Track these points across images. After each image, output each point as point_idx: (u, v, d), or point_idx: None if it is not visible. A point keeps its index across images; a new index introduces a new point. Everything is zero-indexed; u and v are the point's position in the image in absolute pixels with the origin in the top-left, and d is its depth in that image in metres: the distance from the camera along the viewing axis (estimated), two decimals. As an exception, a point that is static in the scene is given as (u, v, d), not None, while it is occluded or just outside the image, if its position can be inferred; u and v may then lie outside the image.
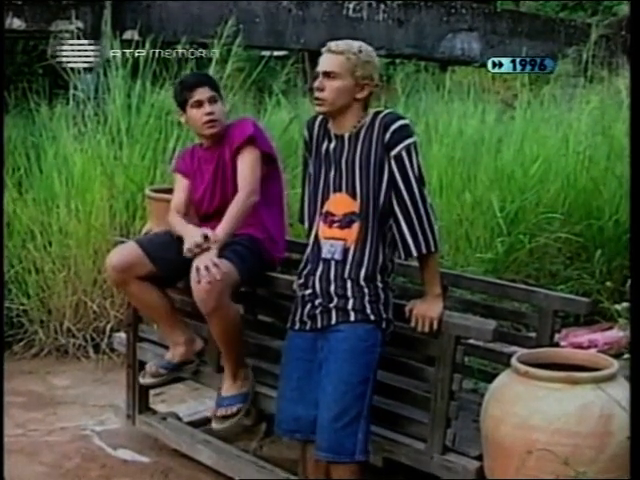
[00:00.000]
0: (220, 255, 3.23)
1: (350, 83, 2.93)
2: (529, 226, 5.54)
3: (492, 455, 2.78)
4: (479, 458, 2.90)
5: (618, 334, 4.44)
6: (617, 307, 4.59)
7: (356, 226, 2.93)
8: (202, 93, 3.50)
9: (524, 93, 6.62)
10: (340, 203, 2.98)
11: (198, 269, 3.13)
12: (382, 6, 10.51)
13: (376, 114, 2.94)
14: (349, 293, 2.93)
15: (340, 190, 2.97)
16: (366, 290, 2.92)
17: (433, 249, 2.91)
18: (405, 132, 2.88)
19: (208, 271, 3.11)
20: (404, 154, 2.87)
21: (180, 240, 3.40)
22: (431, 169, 5.90)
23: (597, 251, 5.54)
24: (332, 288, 2.95)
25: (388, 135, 2.88)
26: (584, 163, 6.01)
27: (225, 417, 3.42)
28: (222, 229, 3.29)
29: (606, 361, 2.81)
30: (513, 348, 3.40)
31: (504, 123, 6.84)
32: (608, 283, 4.64)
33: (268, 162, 3.53)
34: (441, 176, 5.82)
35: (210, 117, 3.50)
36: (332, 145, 3.00)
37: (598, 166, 6.03)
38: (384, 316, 2.93)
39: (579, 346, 4.35)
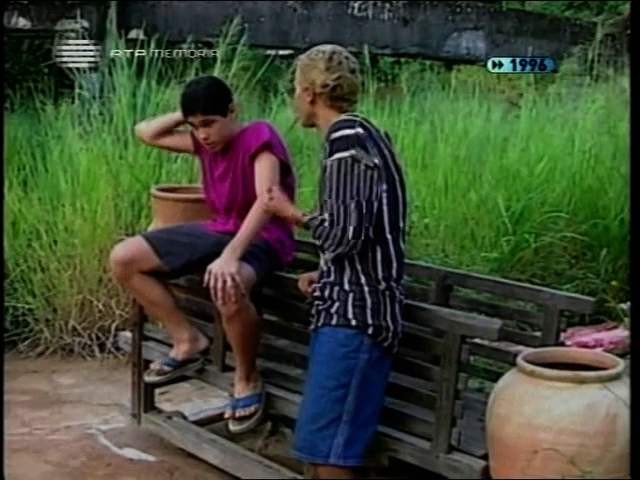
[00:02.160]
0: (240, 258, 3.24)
1: (299, 91, 2.97)
2: (534, 225, 5.54)
3: (497, 454, 2.77)
4: (484, 457, 2.90)
5: (623, 333, 4.44)
6: (622, 306, 4.59)
7: None
8: (194, 119, 3.45)
9: (529, 92, 6.63)
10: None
11: (215, 283, 3.11)
12: (387, 5, 10.52)
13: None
14: (335, 296, 2.92)
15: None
16: (351, 295, 2.89)
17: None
18: (342, 144, 2.80)
19: (225, 283, 3.11)
20: (333, 165, 2.78)
21: (190, 236, 3.48)
22: (436, 168, 5.91)
23: (603, 250, 5.55)
24: (326, 293, 2.95)
25: (328, 144, 2.83)
26: (590, 162, 6.02)
27: (243, 418, 3.43)
28: (239, 237, 3.24)
29: (612, 360, 2.81)
30: (518, 347, 3.40)
31: (509, 122, 6.85)
32: (614, 282, 4.65)
33: (282, 169, 3.50)
34: (446, 175, 5.82)
35: (204, 141, 3.49)
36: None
37: (604, 165, 6.03)
38: (370, 321, 2.88)
39: (585, 345, 4.35)
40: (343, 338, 2.88)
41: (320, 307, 2.96)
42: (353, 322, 2.87)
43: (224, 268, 3.12)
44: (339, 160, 2.77)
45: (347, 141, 2.79)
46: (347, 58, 2.96)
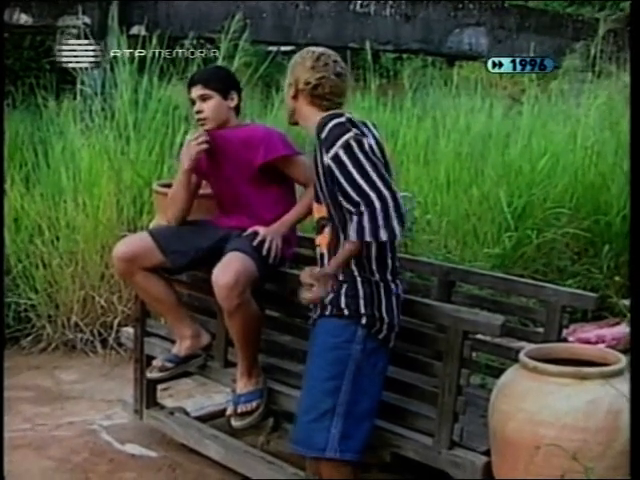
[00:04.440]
0: (240, 250, 3.28)
1: (287, 88, 3.07)
2: (537, 221, 5.53)
3: (500, 450, 2.77)
4: (487, 453, 2.90)
5: (626, 329, 4.44)
6: (625, 302, 4.59)
7: (327, 231, 2.95)
8: (194, 91, 3.55)
9: (531, 88, 6.61)
10: (315, 209, 3.03)
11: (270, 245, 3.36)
12: (389, 1, 10.49)
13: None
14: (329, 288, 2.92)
15: (316, 196, 3.01)
16: (344, 285, 2.90)
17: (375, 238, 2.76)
18: (337, 131, 2.82)
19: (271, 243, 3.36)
20: (334, 156, 2.78)
21: (197, 234, 3.52)
22: (438, 164, 5.91)
23: (605, 246, 5.54)
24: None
25: (323, 141, 2.85)
26: (592, 158, 6.01)
27: (245, 414, 3.43)
28: (288, 217, 3.49)
29: (614, 356, 2.81)
30: (521, 343, 3.40)
31: (511, 118, 6.84)
32: (616, 278, 4.65)
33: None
34: (448, 171, 5.81)
35: (197, 116, 3.57)
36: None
37: (606, 161, 6.02)
38: (363, 311, 2.88)
39: (587, 341, 4.35)
40: (336, 328, 2.89)
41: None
42: (346, 312, 2.88)
43: (272, 235, 3.37)
44: (344, 143, 2.78)
45: (343, 126, 2.84)
46: (335, 62, 3.01)
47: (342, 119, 2.87)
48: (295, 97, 3.02)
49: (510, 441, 2.69)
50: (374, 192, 2.71)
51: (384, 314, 2.90)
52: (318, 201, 2.97)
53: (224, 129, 3.57)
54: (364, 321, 2.88)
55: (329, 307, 2.91)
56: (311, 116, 2.99)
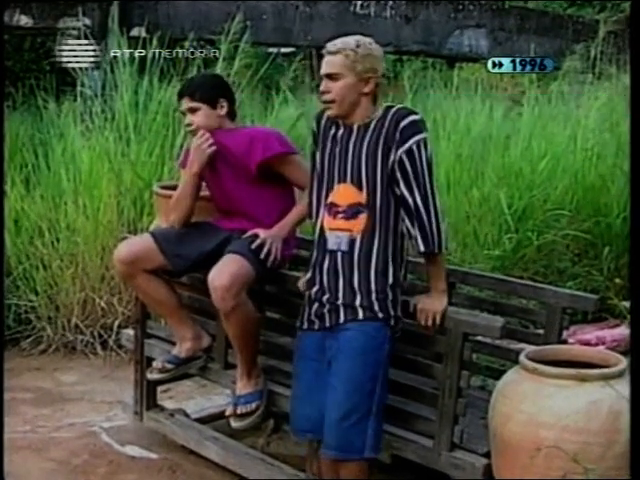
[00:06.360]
0: (237, 252, 3.28)
1: (353, 80, 2.92)
2: (537, 223, 5.53)
3: (500, 452, 2.77)
4: (487, 455, 2.90)
5: (626, 331, 4.43)
6: (625, 304, 4.57)
7: (363, 217, 2.91)
8: (183, 104, 3.56)
9: (532, 90, 6.61)
10: (344, 194, 2.95)
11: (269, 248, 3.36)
12: (389, 3, 10.50)
13: (388, 108, 2.92)
14: (356, 287, 2.90)
15: (345, 180, 2.95)
16: (373, 286, 2.89)
17: (440, 247, 2.89)
18: (416, 128, 2.86)
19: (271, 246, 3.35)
20: (414, 148, 2.85)
21: (199, 237, 3.51)
22: (439, 166, 5.90)
23: (605, 248, 5.54)
24: (340, 282, 2.93)
25: (399, 131, 2.85)
26: (592, 160, 6.01)
27: (244, 415, 3.44)
28: (286, 220, 3.48)
29: (615, 358, 2.81)
30: (521, 345, 3.40)
31: (512, 120, 6.83)
32: (617, 280, 4.63)
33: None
34: (449, 173, 5.81)
35: (187, 129, 3.59)
36: (340, 133, 2.99)
37: (606, 163, 6.02)
38: (392, 313, 2.90)
39: (587, 343, 4.35)
40: (372, 331, 2.89)
41: (339, 302, 2.93)
42: (380, 315, 2.89)
43: (272, 238, 3.36)
44: (420, 141, 2.87)
45: (420, 124, 2.89)
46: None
47: (418, 117, 2.91)
48: (364, 90, 2.94)
49: (510, 443, 2.69)
50: (432, 199, 2.93)
51: (398, 312, 2.93)
52: (354, 185, 2.94)
53: (221, 133, 3.55)
54: (392, 322, 2.91)
55: (361, 311, 2.90)
56: (369, 107, 2.96)
